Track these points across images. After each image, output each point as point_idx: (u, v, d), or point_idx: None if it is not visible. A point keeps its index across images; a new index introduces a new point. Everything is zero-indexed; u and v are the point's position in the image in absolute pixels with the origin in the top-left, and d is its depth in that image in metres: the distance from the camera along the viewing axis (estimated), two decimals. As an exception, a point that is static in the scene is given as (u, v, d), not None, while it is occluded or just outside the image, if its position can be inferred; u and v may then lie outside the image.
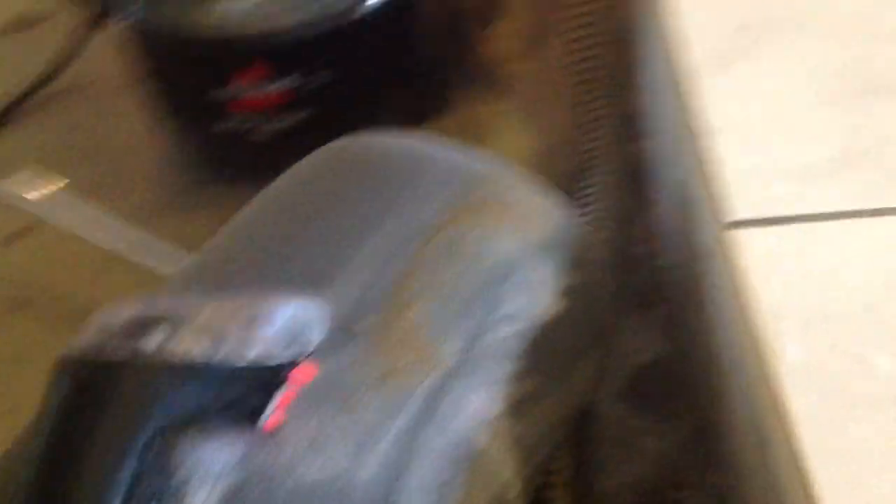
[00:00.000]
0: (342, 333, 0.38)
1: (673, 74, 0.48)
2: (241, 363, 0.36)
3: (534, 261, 0.43)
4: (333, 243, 0.42)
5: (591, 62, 0.66)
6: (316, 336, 0.38)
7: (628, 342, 0.53)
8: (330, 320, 0.38)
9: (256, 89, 0.66)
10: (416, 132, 0.53)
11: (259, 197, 0.48)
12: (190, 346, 0.36)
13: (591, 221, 0.61)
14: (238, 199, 0.48)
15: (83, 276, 0.66)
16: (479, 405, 0.39)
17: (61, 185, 0.65)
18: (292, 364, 0.36)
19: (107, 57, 0.77)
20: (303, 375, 0.37)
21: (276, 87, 0.66)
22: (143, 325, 0.36)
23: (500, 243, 0.43)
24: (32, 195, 0.64)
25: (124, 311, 0.38)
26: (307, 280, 0.40)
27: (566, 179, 0.62)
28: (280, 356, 0.36)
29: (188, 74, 0.69)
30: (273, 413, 0.35)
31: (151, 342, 0.36)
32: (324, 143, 0.49)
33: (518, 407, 0.40)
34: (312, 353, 0.37)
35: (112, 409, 0.35)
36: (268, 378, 0.36)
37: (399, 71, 0.71)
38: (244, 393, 0.35)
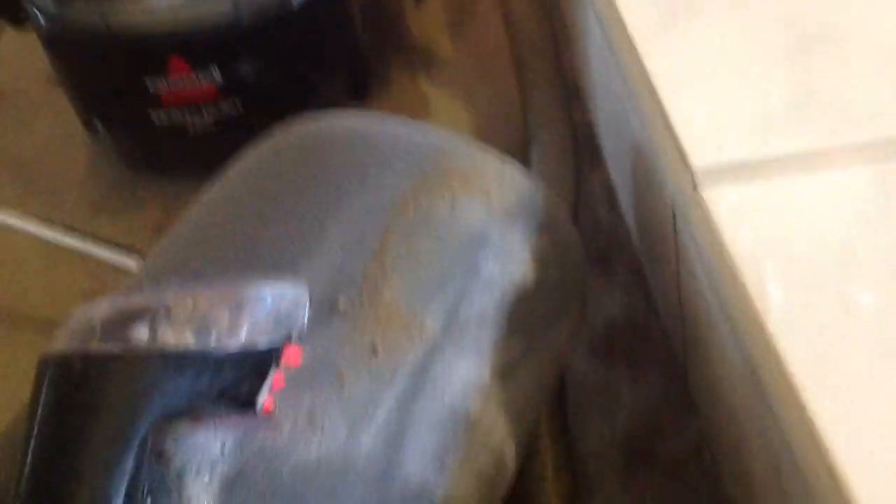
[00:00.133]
0: (325, 312, 0.38)
1: (617, 37, 0.49)
2: (232, 349, 0.35)
3: (505, 226, 0.43)
4: (300, 226, 0.42)
5: (530, 29, 0.67)
6: (301, 317, 0.37)
7: (593, 300, 0.54)
8: (311, 301, 0.38)
9: (185, 82, 0.65)
10: (362, 112, 0.53)
11: (214, 186, 0.47)
12: (179, 335, 0.35)
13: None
14: (177, 194, 0.47)
15: (30, 272, 0.65)
16: (468, 372, 0.39)
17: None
18: (281, 346, 0.36)
19: (23, 62, 0.75)
20: (292, 357, 0.36)
21: (206, 79, 0.65)
22: (127, 318, 0.36)
23: (470, 212, 0.43)
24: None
25: (104, 306, 0.37)
26: (279, 264, 0.40)
27: (510, 150, 0.62)
28: (269, 340, 0.36)
29: (112, 72, 0.68)
30: (267, 396, 0.35)
31: (140, 334, 0.35)
32: (261, 132, 0.49)
33: (506, 370, 0.40)
34: (299, 333, 0.37)
35: (107, 403, 0.34)
36: (259, 362, 0.36)
37: (331, 55, 0.70)
38: (237, 378, 0.35)
